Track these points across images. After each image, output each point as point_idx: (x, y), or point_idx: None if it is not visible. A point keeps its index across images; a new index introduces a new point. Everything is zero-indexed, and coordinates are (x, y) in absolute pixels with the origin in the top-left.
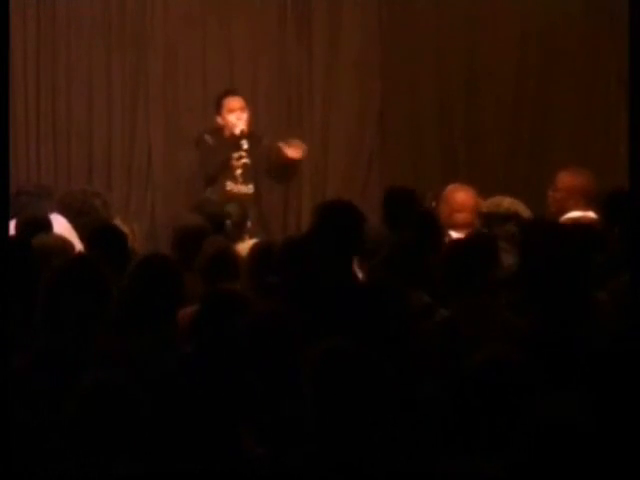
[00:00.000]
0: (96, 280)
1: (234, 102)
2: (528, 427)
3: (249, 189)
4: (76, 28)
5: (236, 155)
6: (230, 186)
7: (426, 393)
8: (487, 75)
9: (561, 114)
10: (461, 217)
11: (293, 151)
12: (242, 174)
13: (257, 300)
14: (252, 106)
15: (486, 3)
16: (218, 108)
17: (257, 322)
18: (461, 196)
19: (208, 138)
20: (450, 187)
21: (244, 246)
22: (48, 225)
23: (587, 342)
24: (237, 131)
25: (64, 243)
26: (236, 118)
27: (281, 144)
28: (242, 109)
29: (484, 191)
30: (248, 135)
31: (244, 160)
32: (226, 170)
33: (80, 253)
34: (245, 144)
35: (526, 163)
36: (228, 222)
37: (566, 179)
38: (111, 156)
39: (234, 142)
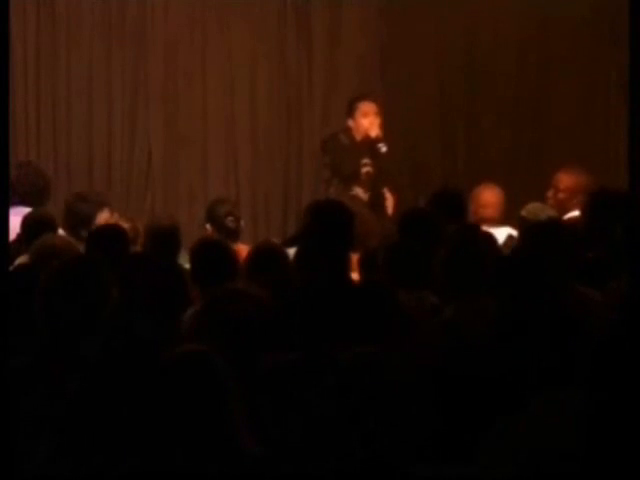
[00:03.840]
0: (95, 281)
1: (369, 107)
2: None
3: (366, 196)
4: (76, 28)
5: (363, 161)
6: (356, 191)
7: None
8: (487, 76)
9: (561, 115)
10: (485, 212)
11: None
12: (364, 181)
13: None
14: (252, 106)
15: (486, 4)
16: (351, 111)
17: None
18: (486, 194)
19: (343, 138)
20: (479, 187)
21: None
22: (53, 224)
23: (584, 341)
24: (373, 134)
25: (68, 243)
26: (369, 123)
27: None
28: (376, 114)
29: None
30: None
31: (367, 168)
32: (356, 175)
33: (79, 254)
34: (383, 147)
35: (526, 163)
36: (231, 219)
37: (569, 180)
38: (111, 156)
39: (368, 146)
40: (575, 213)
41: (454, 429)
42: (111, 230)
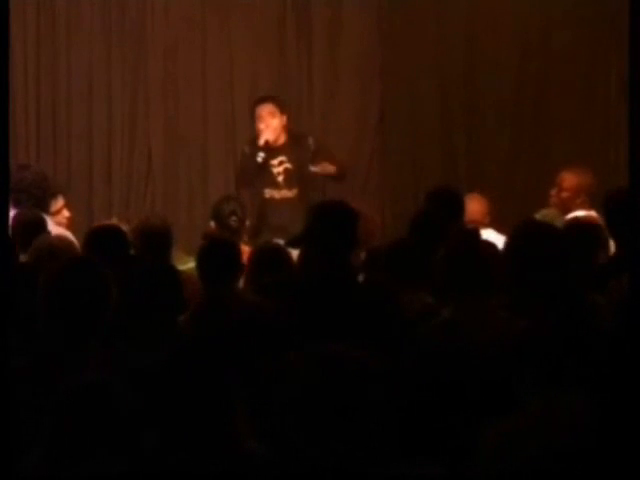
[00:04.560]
0: (96, 282)
1: (262, 109)
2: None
3: (293, 193)
4: (76, 28)
5: (276, 161)
6: (270, 193)
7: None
8: (487, 75)
9: (561, 115)
10: (469, 217)
11: (325, 171)
12: (285, 179)
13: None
14: (252, 106)
15: (486, 3)
16: (252, 116)
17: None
18: (471, 203)
19: (246, 148)
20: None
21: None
22: (45, 226)
23: (585, 343)
24: (261, 142)
25: (68, 244)
26: (265, 126)
27: (312, 169)
28: (270, 115)
29: (484, 192)
30: (288, 138)
31: (286, 165)
32: (264, 177)
33: (79, 254)
34: (260, 157)
35: (526, 164)
36: (234, 219)
37: (573, 179)
38: (111, 156)
39: (268, 150)
40: (577, 213)
41: (453, 429)
42: (111, 231)
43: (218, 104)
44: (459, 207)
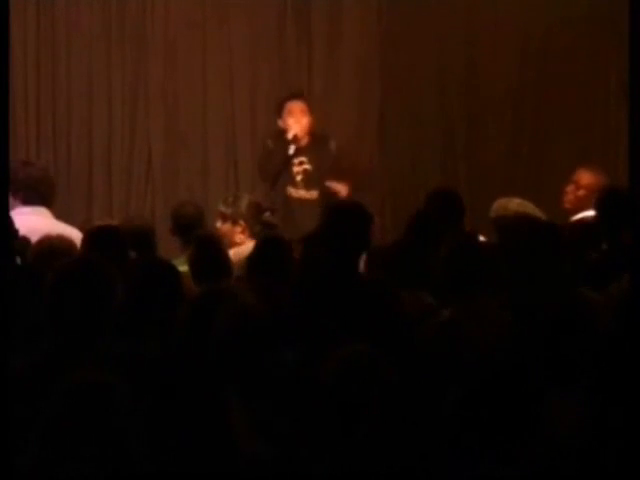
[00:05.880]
0: (103, 280)
1: (294, 105)
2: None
3: (311, 195)
4: (76, 28)
5: (297, 160)
6: (290, 191)
7: (436, 396)
8: (487, 75)
9: (561, 115)
10: None
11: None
12: (303, 180)
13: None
14: (252, 106)
15: (487, 4)
16: (279, 111)
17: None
18: None
19: (269, 142)
20: None
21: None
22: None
23: (583, 343)
24: (290, 135)
25: (69, 244)
26: (294, 122)
27: (327, 184)
28: (302, 112)
29: (484, 191)
30: (311, 139)
31: (305, 166)
32: (286, 174)
33: (84, 254)
34: (292, 149)
35: (526, 164)
36: (267, 214)
37: (591, 178)
38: (111, 156)
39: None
40: (588, 213)
41: (453, 429)
42: (109, 230)
43: (218, 104)
44: (460, 209)
